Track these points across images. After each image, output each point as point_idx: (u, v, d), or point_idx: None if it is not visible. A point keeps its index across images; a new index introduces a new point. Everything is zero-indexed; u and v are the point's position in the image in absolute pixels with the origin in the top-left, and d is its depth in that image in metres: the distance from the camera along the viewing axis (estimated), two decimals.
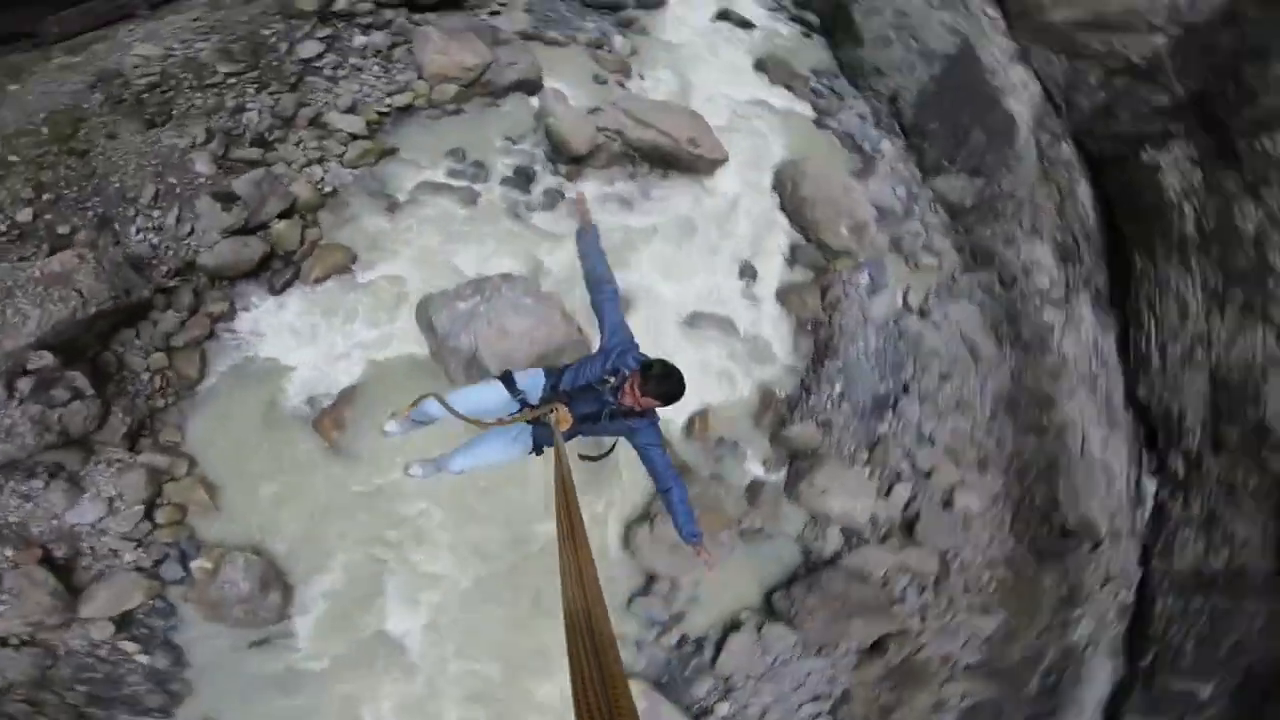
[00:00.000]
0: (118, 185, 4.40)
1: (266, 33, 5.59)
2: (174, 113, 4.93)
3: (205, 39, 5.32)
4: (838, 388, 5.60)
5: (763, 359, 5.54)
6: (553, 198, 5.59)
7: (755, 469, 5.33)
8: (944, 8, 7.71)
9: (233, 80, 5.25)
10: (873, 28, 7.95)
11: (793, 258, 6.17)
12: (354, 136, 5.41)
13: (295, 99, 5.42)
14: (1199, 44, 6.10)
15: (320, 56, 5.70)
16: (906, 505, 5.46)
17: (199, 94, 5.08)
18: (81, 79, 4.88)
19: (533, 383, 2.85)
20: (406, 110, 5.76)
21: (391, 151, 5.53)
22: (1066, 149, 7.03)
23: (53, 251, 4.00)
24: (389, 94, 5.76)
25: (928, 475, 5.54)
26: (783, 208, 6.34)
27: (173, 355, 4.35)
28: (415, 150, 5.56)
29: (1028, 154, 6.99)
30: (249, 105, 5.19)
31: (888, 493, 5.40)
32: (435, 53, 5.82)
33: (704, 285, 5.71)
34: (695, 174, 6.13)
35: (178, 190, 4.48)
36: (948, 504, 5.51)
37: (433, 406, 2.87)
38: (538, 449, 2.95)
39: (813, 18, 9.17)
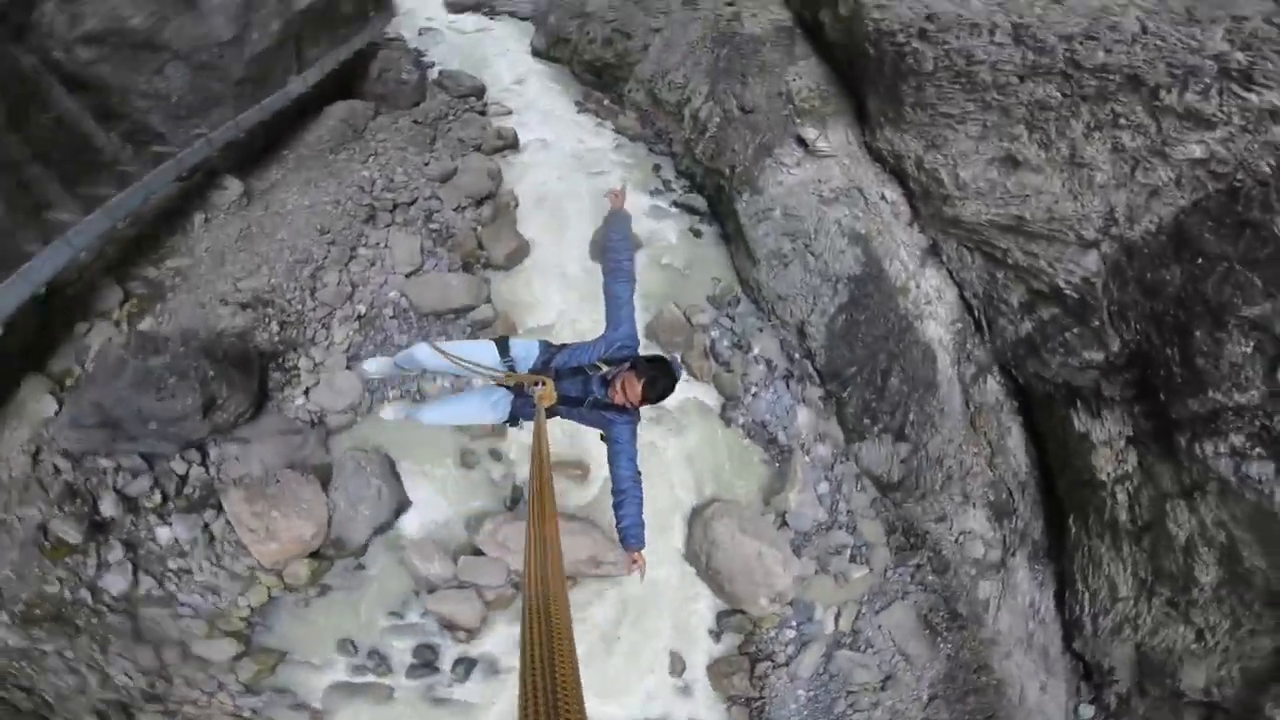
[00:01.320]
0: None
1: (52, 589, 4.71)
2: (49, 701, 4.32)
3: None
4: None
5: None
6: (467, 666, 5.22)
7: None
8: (838, 201, 6.68)
9: (70, 654, 4.51)
10: (764, 240, 7.02)
11: (718, 628, 5.91)
12: (236, 657, 4.90)
13: (149, 648, 4.76)
14: (1140, 275, 5.17)
15: (135, 584, 4.92)
16: None
17: (52, 677, 4.43)
18: None
19: (526, 352, 2.86)
20: (268, 602, 5.19)
21: (281, 656, 5.06)
22: (993, 386, 6.47)
23: None
24: (239, 593, 5.13)
25: None
26: (701, 578, 5.99)
27: None
28: (303, 648, 5.10)
29: (951, 403, 6.47)
30: (110, 671, 4.54)
31: None
32: (258, 542, 5.04)
33: (637, 693, 5.51)
34: (602, 579, 5.53)
35: None
36: None
37: (421, 352, 2.94)
38: (514, 420, 2.96)
39: (699, 201, 8.06)
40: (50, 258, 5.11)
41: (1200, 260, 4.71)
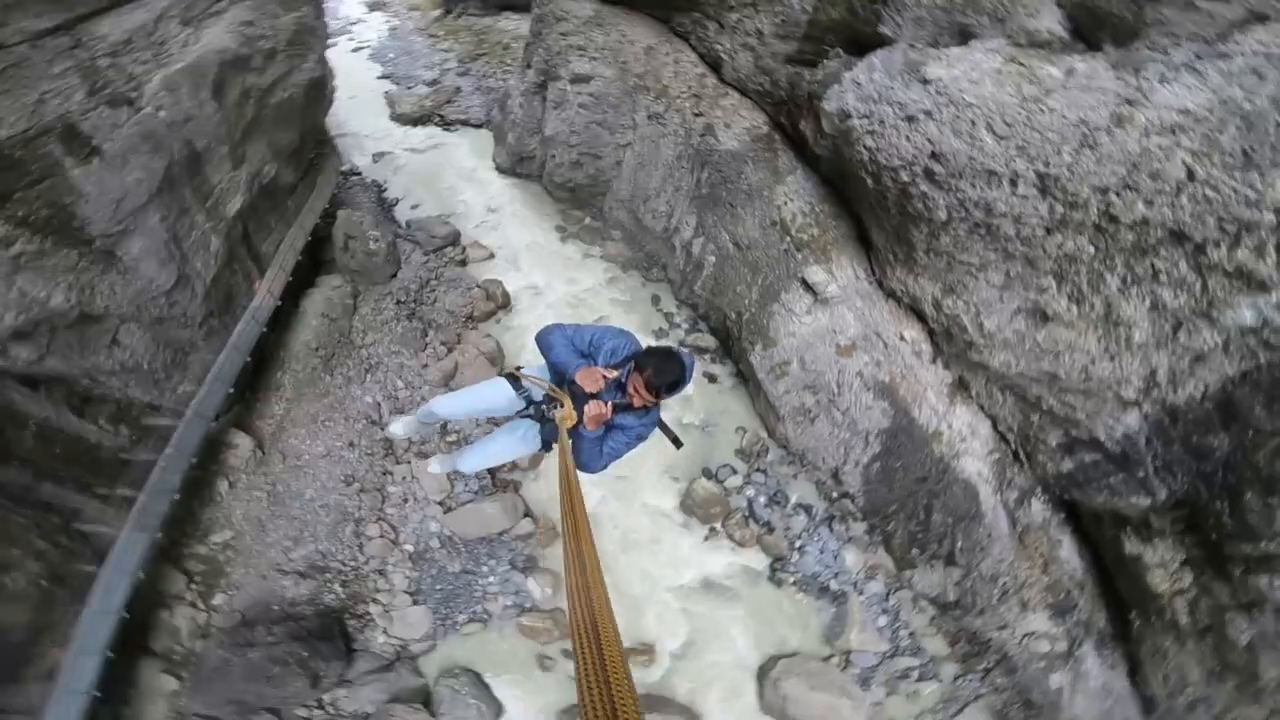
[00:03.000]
0: None
1: None
2: None
3: None
4: None
5: None
6: None
7: None
8: (855, 349, 6.49)
9: None
10: (786, 398, 6.84)
11: None
12: None
13: None
14: (1185, 437, 4.89)
15: None
16: None
17: None
18: None
19: (537, 377, 2.93)
20: None
21: None
22: (1038, 507, 6.30)
23: None
24: None
25: None
26: None
27: None
28: None
29: (998, 528, 6.33)
30: None
31: None
32: None
33: None
34: None
35: None
36: None
37: (439, 406, 3.09)
38: (547, 446, 3.06)
39: (708, 339, 7.92)
40: (109, 591, 5.16)
41: (1251, 432, 4.42)
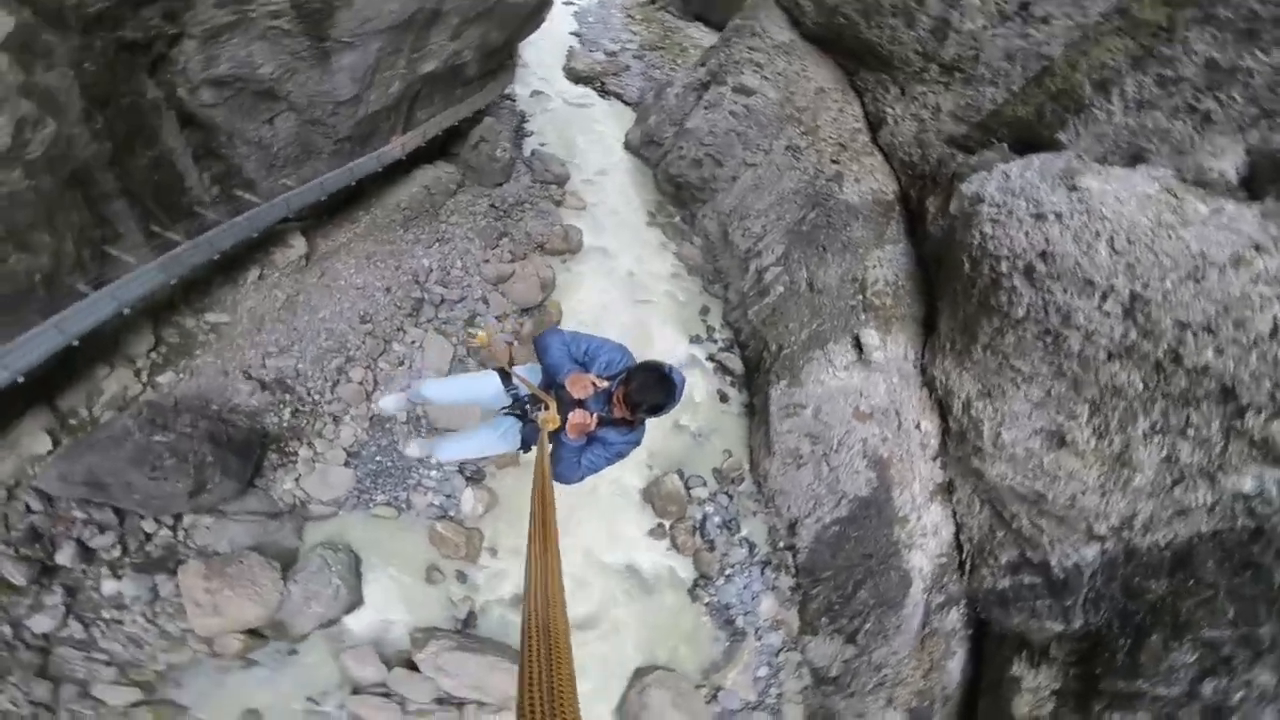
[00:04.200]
0: None
1: None
2: None
3: None
4: None
5: None
6: None
7: None
8: (873, 418, 6.39)
9: None
10: (786, 436, 6.83)
11: None
12: (134, 704, 4.90)
13: (48, 685, 4.84)
14: (1129, 578, 5.10)
15: (62, 625, 5.00)
16: None
17: None
18: None
19: (529, 376, 2.85)
20: (189, 662, 5.20)
21: (182, 711, 5.06)
22: (955, 618, 6.26)
23: None
24: (162, 650, 5.16)
25: None
26: None
27: None
28: (207, 709, 5.09)
29: (910, 623, 6.43)
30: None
31: None
32: (202, 615, 5.18)
33: None
34: None
35: None
36: None
37: (428, 389, 3.13)
38: (525, 447, 2.98)
39: (736, 363, 7.86)
40: (93, 311, 5.09)
41: (1191, 582, 4.66)
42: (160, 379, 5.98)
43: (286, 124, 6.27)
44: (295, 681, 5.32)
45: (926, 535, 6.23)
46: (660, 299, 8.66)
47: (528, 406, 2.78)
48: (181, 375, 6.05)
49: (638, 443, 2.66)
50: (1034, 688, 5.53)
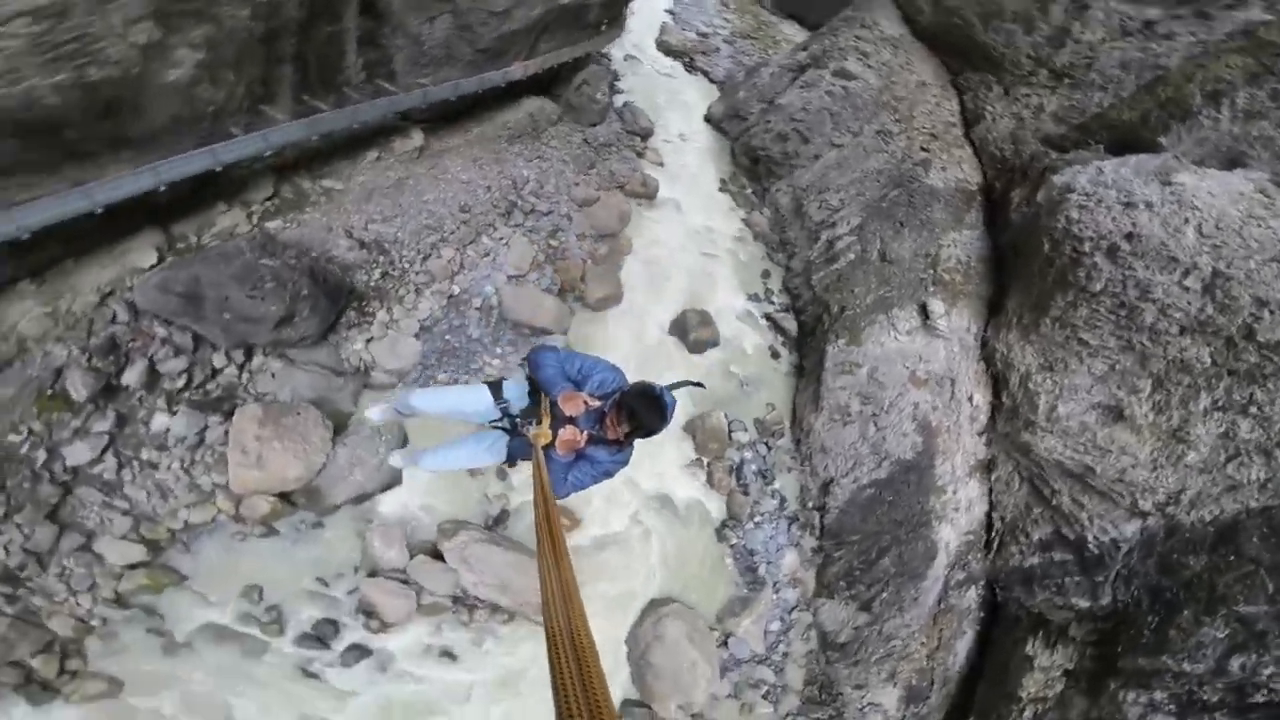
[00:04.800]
0: None
1: (16, 438, 4.86)
2: None
3: None
4: None
5: None
6: (359, 654, 5.15)
7: None
8: (927, 385, 6.51)
9: None
10: (836, 392, 6.90)
11: (619, 711, 5.59)
12: (133, 565, 4.90)
13: (53, 530, 4.81)
14: (1167, 554, 5.19)
15: (98, 460, 4.99)
16: None
17: None
18: None
19: (518, 393, 2.81)
20: (208, 523, 5.17)
21: (179, 580, 5.04)
22: (972, 596, 6.33)
23: None
24: (187, 505, 5.13)
25: None
26: (629, 661, 5.91)
27: None
28: (207, 581, 5.11)
29: (927, 598, 6.45)
30: None
31: None
32: (243, 466, 5.14)
33: None
34: (540, 625, 5.45)
35: None
36: None
37: (417, 400, 3.10)
38: (511, 460, 2.94)
39: (791, 324, 7.99)
40: (243, 145, 5.70)
41: (1232, 558, 4.75)
42: (269, 224, 6.33)
43: (443, 25, 6.79)
44: (311, 557, 5.32)
45: (959, 510, 6.31)
46: (725, 256, 8.87)
47: (518, 421, 2.75)
48: (288, 224, 6.40)
49: (625, 463, 2.63)
50: (1046, 667, 5.59)
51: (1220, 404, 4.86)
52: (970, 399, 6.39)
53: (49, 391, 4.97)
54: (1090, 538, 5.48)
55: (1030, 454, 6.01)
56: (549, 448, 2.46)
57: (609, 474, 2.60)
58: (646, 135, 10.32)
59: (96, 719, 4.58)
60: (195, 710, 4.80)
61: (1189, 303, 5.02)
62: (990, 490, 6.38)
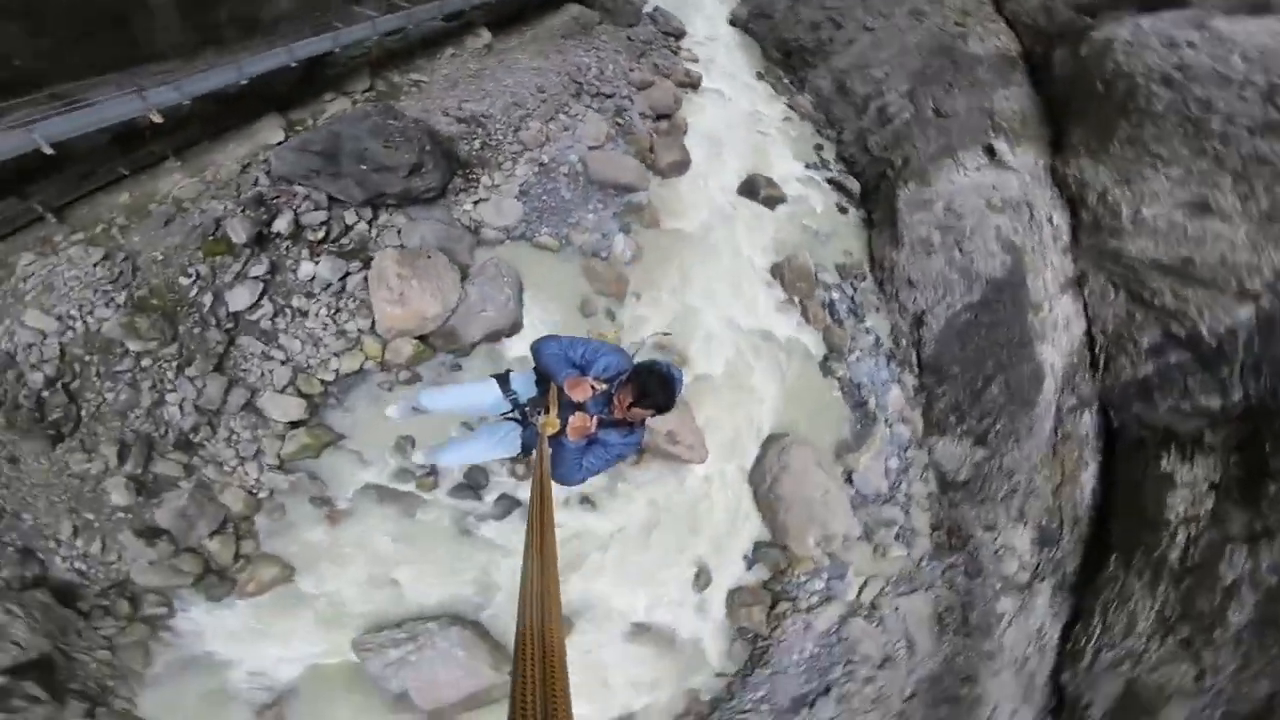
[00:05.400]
0: (31, 522, 4.44)
1: (185, 280, 5.11)
2: (82, 415, 4.61)
3: (109, 300, 4.82)
4: (761, 692, 5.62)
5: (695, 668, 5.56)
6: (508, 505, 5.37)
7: None
8: (1004, 211, 6.81)
9: (146, 362, 4.76)
10: (916, 226, 7.26)
11: (753, 557, 6.08)
12: (293, 424, 5.07)
13: (222, 383, 4.99)
14: None
15: (255, 305, 5.26)
16: None
17: (108, 385, 4.67)
18: None
19: (526, 384, 2.88)
20: (356, 373, 5.40)
21: (334, 441, 5.20)
22: (1088, 421, 6.62)
23: None
24: (336, 353, 5.38)
25: None
26: (756, 501, 6.16)
27: (116, 651, 4.52)
28: (361, 438, 5.25)
29: (1042, 425, 6.57)
30: (168, 396, 4.79)
31: None
32: (389, 302, 5.44)
33: (655, 594, 5.58)
34: (672, 462, 5.73)
35: (96, 525, 4.51)
36: None
37: (427, 399, 3.23)
38: (526, 451, 3.02)
39: (853, 184, 8.29)
40: (357, 30, 6.61)
41: None
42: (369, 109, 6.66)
43: None
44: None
45: (1058, 329, 6.57)
46: (775, 134, 9.23)
47: (527, 411, 2.79)
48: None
49: (638, 444, 2.66)
50: (1190, 482, 5.57)
51: None
52: (1050, 220, 6.80)
53: (211, 236, 5.27)
54: (1204, 330, 5.62)
55: (1122, 260, 6.31)
56: (560, 436, 2.48)
57: (621, 457, 2.64)
58: (680, 35, 10.54)
59: (272, 612, 4.69)
60: (364, 585, 4.80)
61: (1252, 111, 5.43)
62: (1085, 306, 6.67)
